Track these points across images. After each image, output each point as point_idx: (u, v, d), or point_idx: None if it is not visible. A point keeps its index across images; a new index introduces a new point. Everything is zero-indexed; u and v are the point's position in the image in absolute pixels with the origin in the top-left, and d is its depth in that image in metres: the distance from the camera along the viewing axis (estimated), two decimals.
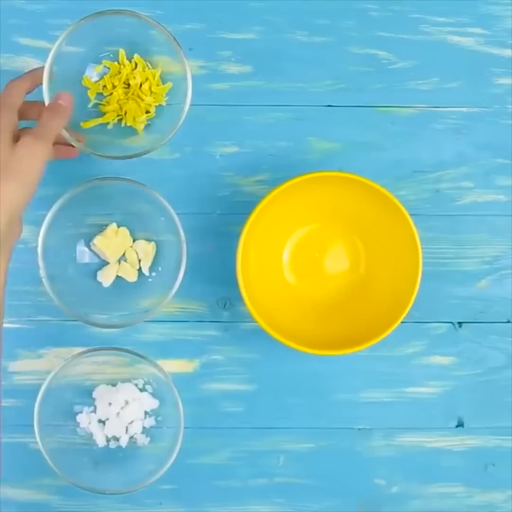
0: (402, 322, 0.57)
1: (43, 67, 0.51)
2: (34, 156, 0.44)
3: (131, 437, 0.57)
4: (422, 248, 0.53)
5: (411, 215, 0.59)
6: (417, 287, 0.53)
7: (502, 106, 0.60)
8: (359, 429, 0.58)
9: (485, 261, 0.59)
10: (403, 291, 0.53)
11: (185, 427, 0.56)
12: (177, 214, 0.56)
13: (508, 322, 0.59)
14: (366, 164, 0.59)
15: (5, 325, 0.58)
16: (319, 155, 0.59)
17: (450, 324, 0.59)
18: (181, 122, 0.54)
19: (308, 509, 0.58)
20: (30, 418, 0.56)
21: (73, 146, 0.53)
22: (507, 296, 0.59)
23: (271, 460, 0.58)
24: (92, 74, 0.56)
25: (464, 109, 0.60)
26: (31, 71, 0.52)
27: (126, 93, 0.56)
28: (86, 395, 0.57)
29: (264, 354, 0.58)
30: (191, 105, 0.59)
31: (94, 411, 0.57)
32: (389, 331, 0.52)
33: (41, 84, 0.51)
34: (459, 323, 0.58)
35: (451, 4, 0.60)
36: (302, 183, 0.53)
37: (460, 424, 0.58)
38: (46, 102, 0.51)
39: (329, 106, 0.60)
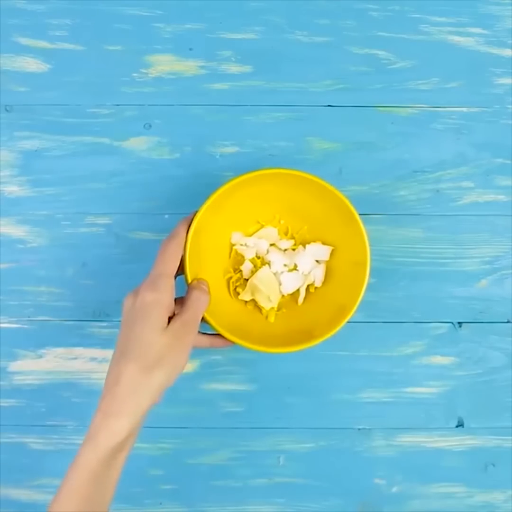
0: (402, 322, 0.57)
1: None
2: (184, 345, 0.43)
3: None
4: (370, 242, 0.51)
5: (411, 215, 0.59)
6: (367, 278, 0.51)
7: (502, 106, 0.60)
8: (359, 429, 0.58)
9: (485, 261, 0.59)
10: (355, 284, 0.52)
11: (185, 427, 0.56)
12: (177, 214, 0.56)
13: (508, 322, 0.59)
14: (366, 164, 0.59)
15: (5, 325, 0.58)
16: (319, 155, 0.59)
17: (450, 324, 0.59)
18: None
19: (308, 509, 0.57)
20: (30, 418, 0.56)
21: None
22: (507, 296, 0.59)
23: (271, 460, 0.58)
24: None
25: (464, 109, 0.60)
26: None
27: None
28: (86, 393, 0.57)
29: (264, 354, 0.58)
30: (191, 105, 0.59)
31: None
32: (340, 325, 0.51)
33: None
34: (459, 323, 0.58)
35: (451, 4, 0.61)
36: (245, 182, 0.51)
37: (460, 424, 0.58)
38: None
39: (329, 106, 0.60)
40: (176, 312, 0.45)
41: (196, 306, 0.46)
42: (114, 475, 0.42)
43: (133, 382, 0.41)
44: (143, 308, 0.43)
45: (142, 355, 0.41)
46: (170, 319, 0.44)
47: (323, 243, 0.56)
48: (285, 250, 0.57)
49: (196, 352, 0.58)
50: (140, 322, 0.42)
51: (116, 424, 0.41)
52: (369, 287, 0.51)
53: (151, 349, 0.42)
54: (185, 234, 0.48)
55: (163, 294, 0.43)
